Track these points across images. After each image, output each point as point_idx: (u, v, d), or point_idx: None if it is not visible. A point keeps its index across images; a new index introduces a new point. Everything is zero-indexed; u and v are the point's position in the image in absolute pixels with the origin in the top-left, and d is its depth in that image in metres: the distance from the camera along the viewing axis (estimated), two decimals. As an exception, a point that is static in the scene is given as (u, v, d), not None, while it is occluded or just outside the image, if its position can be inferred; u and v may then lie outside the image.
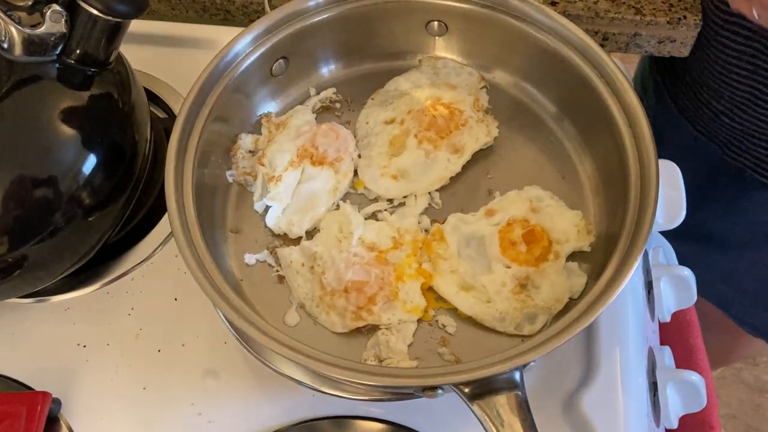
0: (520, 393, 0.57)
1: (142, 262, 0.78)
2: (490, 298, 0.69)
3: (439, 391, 0.59)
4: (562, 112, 0.79)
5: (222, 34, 0.94)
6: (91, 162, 0.70)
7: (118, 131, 0.73)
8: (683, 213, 0.85)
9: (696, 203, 0.84)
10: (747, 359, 1.85)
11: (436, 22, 0.82)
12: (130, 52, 0.83)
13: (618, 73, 0.71)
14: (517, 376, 0.58)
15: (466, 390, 0.57)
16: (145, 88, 0.89)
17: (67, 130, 0.70)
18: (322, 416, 0.69)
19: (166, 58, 0.92)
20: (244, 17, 1.03)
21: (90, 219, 0.72)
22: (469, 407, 0.56)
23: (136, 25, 0.95)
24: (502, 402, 0.56)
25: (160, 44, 0.94)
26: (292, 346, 0.58)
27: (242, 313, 0.61)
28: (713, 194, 1.05)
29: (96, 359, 0.72)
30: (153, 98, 0.89)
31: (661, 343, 0.85)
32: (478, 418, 0.56)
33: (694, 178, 0.86)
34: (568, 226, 0.72)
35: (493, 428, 0.55)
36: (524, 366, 0.59)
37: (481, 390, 0.57)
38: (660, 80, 1.08)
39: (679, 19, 0.91)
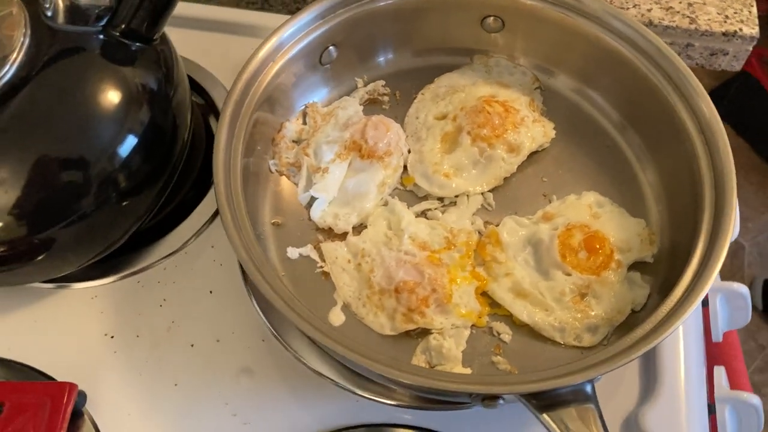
0: (592, 406, 0.53)
1: (175, 251, 0.73)
2: (548, 307, 0.65)
3: (500, 401, 0.55)
4: (626, 121, 0.76)
5: (261, 20, 0.90)
6: (129, 143, 0.65)
7: (159, 112, 0.69)
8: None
9: None
10: None
11: (491, 18, 0.79)
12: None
13: (691, 79, 0.68)
14: (588, 388, 0.54)
15: (534, 401, 0.53)
16: (184, 72, 0.85)
17: (107, 107, 0.65)
18: (361, 423, 0.65)
19: (203, 43, 0.88)
20: (282, 6, 1.00)
21: (123, 204, 0.67)
22: (538, 418, 0.53)
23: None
24: (573, 415, 0.52)
25: (196, 27, 0.89)
26: (354, 349, 0.54)
27: (294, 307, 0.57)
28: None
29: (124, 351, 0.68)
30: (191, 83, 0.85)
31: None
32: (547, 430, 0.52)
33: None
34: (631, 234, 0.68)
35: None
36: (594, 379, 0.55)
37: (551, 401, 0.53)
38: None
39: (735, 31, 0.88)
